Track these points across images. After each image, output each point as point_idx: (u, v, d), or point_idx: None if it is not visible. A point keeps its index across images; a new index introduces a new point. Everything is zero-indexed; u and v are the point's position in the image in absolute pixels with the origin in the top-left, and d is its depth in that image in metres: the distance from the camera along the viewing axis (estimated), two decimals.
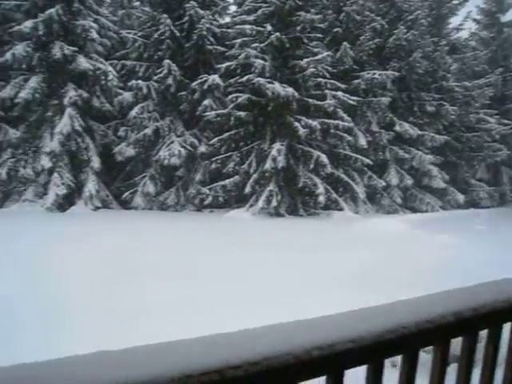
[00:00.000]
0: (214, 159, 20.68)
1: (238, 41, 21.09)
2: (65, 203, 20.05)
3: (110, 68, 20.95)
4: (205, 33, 21.52)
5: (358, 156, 21.65)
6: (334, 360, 1.04)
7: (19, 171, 20.41)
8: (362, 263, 9.63)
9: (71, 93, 20.15)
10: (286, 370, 0.96)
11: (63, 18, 20.28)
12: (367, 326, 1.09)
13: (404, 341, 1.16)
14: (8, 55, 19.85)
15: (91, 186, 20.42)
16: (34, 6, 20.43)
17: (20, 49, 19.92)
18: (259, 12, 21.11)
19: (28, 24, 19.63)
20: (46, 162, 19.86)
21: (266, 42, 20.18)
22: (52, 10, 19.77)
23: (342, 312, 1.15)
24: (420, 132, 24.35)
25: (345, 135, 21.16)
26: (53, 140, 19.94)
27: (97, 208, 20.45)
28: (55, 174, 20.00)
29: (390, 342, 1.12)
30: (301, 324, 1.05)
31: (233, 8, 25.08)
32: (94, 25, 20.84)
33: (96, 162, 20.67)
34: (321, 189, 19.57)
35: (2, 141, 20.75)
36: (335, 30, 23.74)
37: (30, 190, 20.47)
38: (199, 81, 20.97)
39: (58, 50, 19.86)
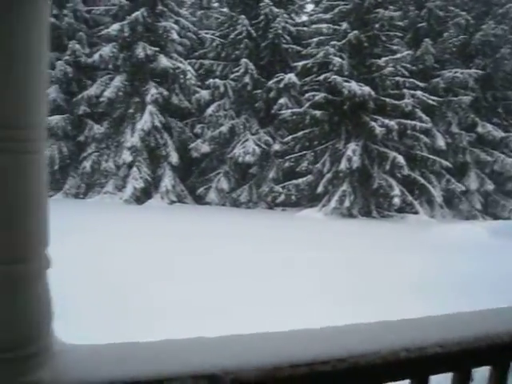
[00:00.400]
0: (287, 158, 20.70)
1: (315, 39, 20.98)
2: (142, 196, 20.93)
3: (189, 67, 21.61)
4: (280, 32, 21.63)
5: (435, 158, 20.80)
6: (421, 364, 1.00)
7: (102, 164, 21.60)
8: (443, 275, 9.18)
9: (152, 91, 20.99)
10: (372, 369, 0.94)
11: (147, 20, 21.18)
12: (457, 332, 1.05)
13: (495, 351, 1.09)
14: (96, 56, 21.12)
15: (168, 180, 21.17)
16: (121, 9, 21.50)
17: (107, 50, 21.09)
18: (336, 10, 20.87)
19: (115, 27, 20.74)
20: (126, 157, 20.84)
21: (344, 41, 19.88)
22: (138, 13, 20.72)
23: (432, 315, 1.12)
24: (504, 134, 22.98)
25: (422, 136, 20.43)
26: (133, 136, 20.88)
27: (172, 202, 21.17)
28: (134, 168, 20.93)
29: (480, 351, 1.06)
30: (389, 324, 1.04)
31: (310, 7, 25.01)
32: (175, 26, 21.62)
33: (174, 158, 21.41)
34: (396, 191, 19.01)
35: (87, 136, 22.05)
36: (416, 26, 22.96)
37: (110, 182, 21.58)
38: (275, 79, 21.11)
39: (141, 50, 20.77)
